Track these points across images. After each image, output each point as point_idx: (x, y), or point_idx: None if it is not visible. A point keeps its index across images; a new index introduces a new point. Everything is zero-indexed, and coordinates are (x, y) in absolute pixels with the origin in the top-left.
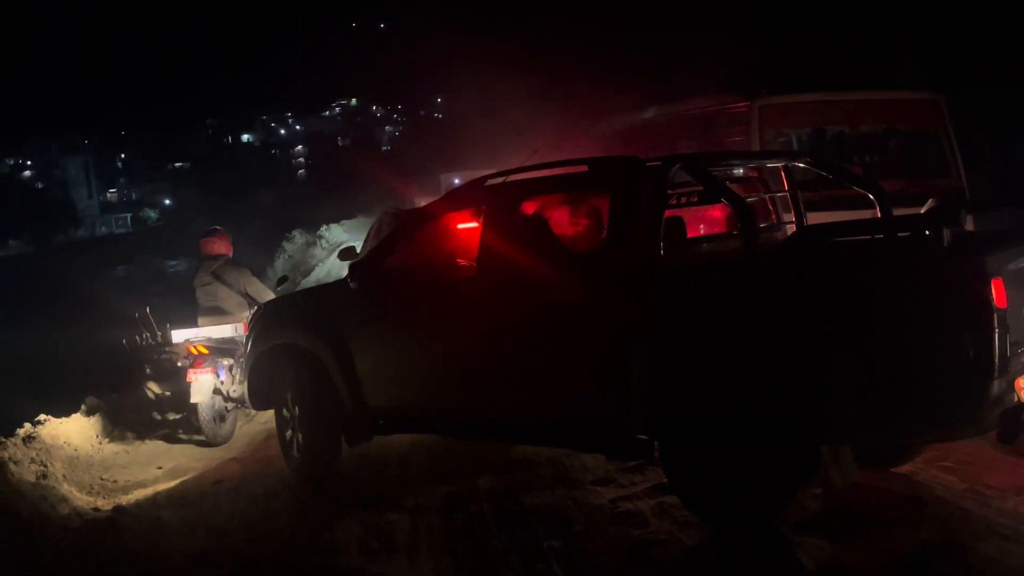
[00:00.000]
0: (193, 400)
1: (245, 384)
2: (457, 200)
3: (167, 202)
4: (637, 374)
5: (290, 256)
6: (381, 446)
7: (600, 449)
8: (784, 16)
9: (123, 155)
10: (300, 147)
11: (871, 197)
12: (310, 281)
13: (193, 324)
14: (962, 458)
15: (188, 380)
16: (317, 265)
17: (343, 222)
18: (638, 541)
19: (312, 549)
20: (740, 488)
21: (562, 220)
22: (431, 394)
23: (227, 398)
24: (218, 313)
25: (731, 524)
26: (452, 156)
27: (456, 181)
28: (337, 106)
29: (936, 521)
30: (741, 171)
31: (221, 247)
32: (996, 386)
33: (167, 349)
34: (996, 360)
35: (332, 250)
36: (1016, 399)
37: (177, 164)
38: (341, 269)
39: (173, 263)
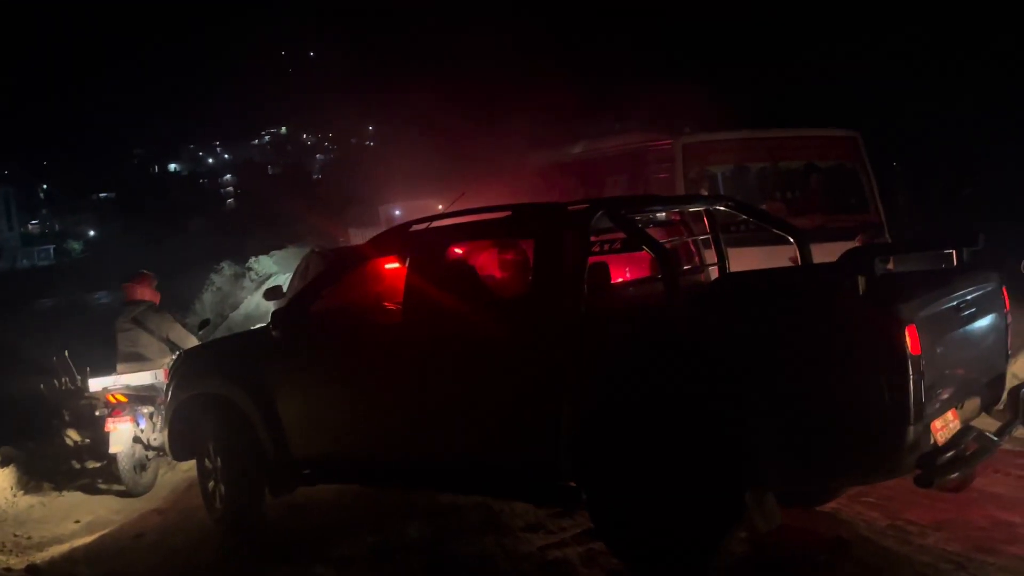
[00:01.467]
0: (112, 450)
1: (166, 433)
2: (382, 246)
3: (92, 233)
4: (564, 421)
5: (218, 288)
6: (308, 494)
7: (528, 497)
8: (709, 57)
9: (45, 185)
10: (229, 176)
11: (792, 241)
12: (238, 315)
13: (112, 370)
14: (885, 493)
15: (107, 430)
16: (246, 298)
17: (273, 253)
18: None
19: None
20: (666, 535)
21: (488, 266)
22: (357, 443)
23: (148, 446)
24: (138, 359)
25: (659, 572)
26: (385, 185)
27: (397, 213)
28: (267, 134)
29: (860, 563)
30: (664, 215)
31: (145, 292)
32: (912, 431)
33: (85, 396)
34: (912, 406)
35: (261, 282)
36: (933, 442)
37: (102, 194)
38: (270, 304)
39: (99, 295)
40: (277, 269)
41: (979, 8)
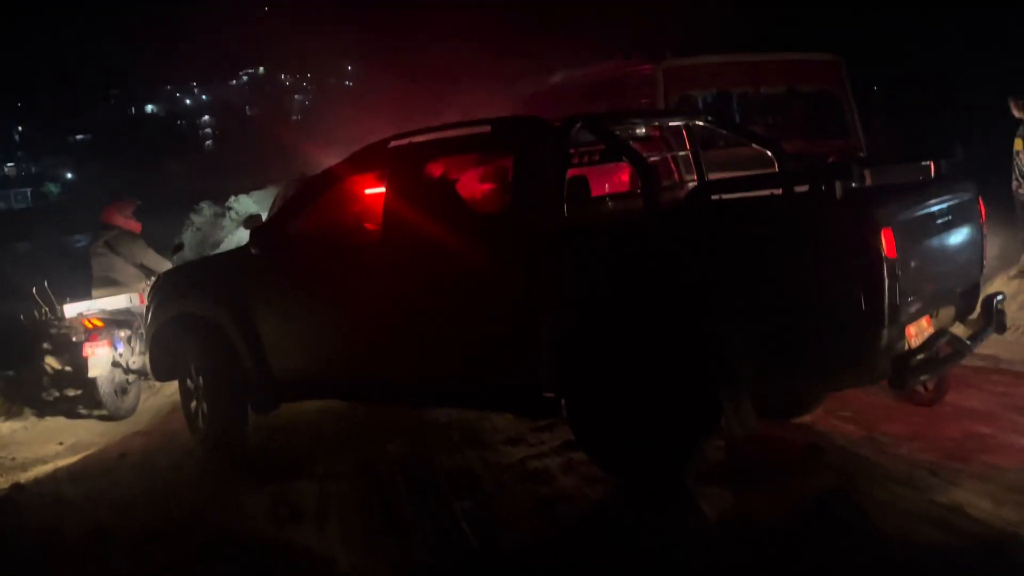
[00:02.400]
0: (91, 374)
1: (147, 356)
2: (361, 162)
3: (69, 175)
4: (544, 333)
5: (198, 229)
6: (290, 415)
7: (509, 408)
8: None
9: (21, 128)
10: (207, 117)
11: (770, 155)
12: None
13: (88, 297)
14: (860, 408)
15: (85, 355)
16: (227, 237)
17: (252, 193)
18: (546, 498)
19: (219, 519)
20: (645, 442)
21: (467, 182)
22: (338, 360)
23: (127, 370)
24: (112, 284)
25: (636, 478)
26: (366, 124)
27: None
28: (244, 75)
29: (833, 469)
30: (643, 131)
31: (117, 218)
32: (887, 334)
33: (63, 324)
34: (887, 308)
35: (241, 222)
36: (907, 346)
37: (79, 136)
38: None
39: (77, 238)
40: (257, 208)
41: None
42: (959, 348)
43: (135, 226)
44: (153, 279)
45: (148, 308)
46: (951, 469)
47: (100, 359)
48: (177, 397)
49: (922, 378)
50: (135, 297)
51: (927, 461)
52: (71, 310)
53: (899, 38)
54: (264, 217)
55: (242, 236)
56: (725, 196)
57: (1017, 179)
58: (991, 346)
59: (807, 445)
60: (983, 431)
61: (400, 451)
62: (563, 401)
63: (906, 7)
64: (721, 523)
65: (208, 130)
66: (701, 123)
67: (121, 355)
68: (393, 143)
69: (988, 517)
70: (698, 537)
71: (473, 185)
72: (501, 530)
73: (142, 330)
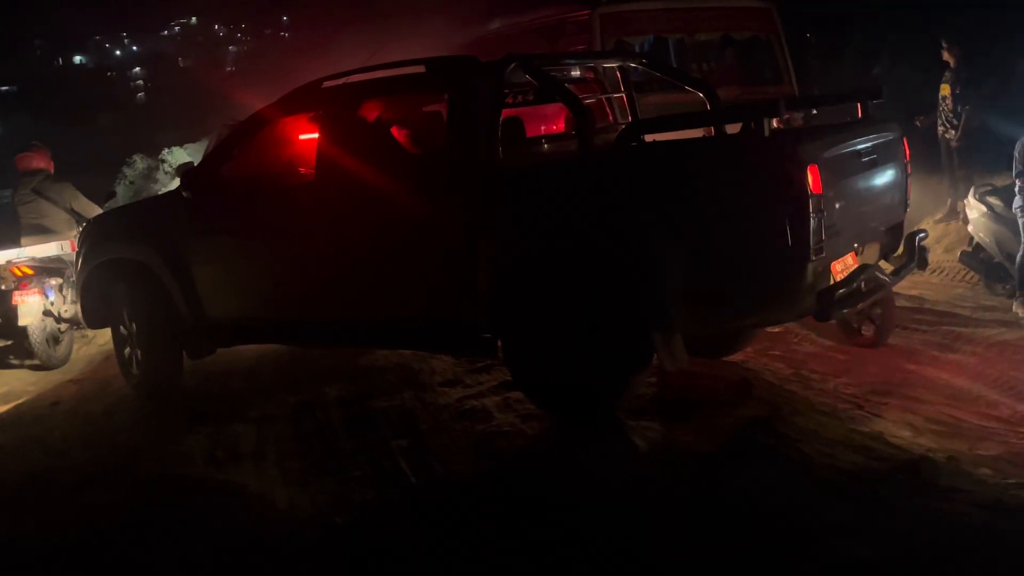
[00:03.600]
0: (21, 323)
1: (78, 303)
2: (294, 103)
3: None
4: (480, 274)
5: (131, 182)
6: (227, 360)
7: (446, 349)
8: None
9: None
10: (138, 69)
11: (703, 98)
12: None
13: (16, 244)
14: (790, 348)
15: (14, 303)
16: (161, 191)
17: (187, 145)
18: (483, 434)
19: (155, 463)
20: (579, 378)
21: (402, 122)
22: (273, 303)
23: (59, 319)
24: (42, 231)
25: (571, 413)
26: (303, 76)
27: None
28: (176, 25)
29: (761, 401)
30: (578, 73)
31: (40, 162)
32: (812, 268)
33: None
34: (812, 243)
35: (176, 175)
36: (832, 280)
37: (4, 88)
38: None
39: (3, 193)
40: (192, 160)
41: None
42: (881, 282)
43: (51, 167)
44: (84, 224)
45: (79, 254)
46: (874, 403)
47: (30, 308)
48: (111, 346)
49: (844, 311)
50: (66, 244)
51: (852, 395)
52: None
53: None
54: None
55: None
56: (657, 137)
57: (944, 124)
58: (917, 287)
59: (737, 380)
60: (907, 367)
61: (338, 393)
62: (499, 342)
63: None
64: (652, 453)
65: (140, 82)
66: (635, 65)
67: (52, 303)
68: (327, 83)
69: (907, 444)
70: (629, 465)
71: (409, 125)
72: (438, 466)
73: (73, 278)
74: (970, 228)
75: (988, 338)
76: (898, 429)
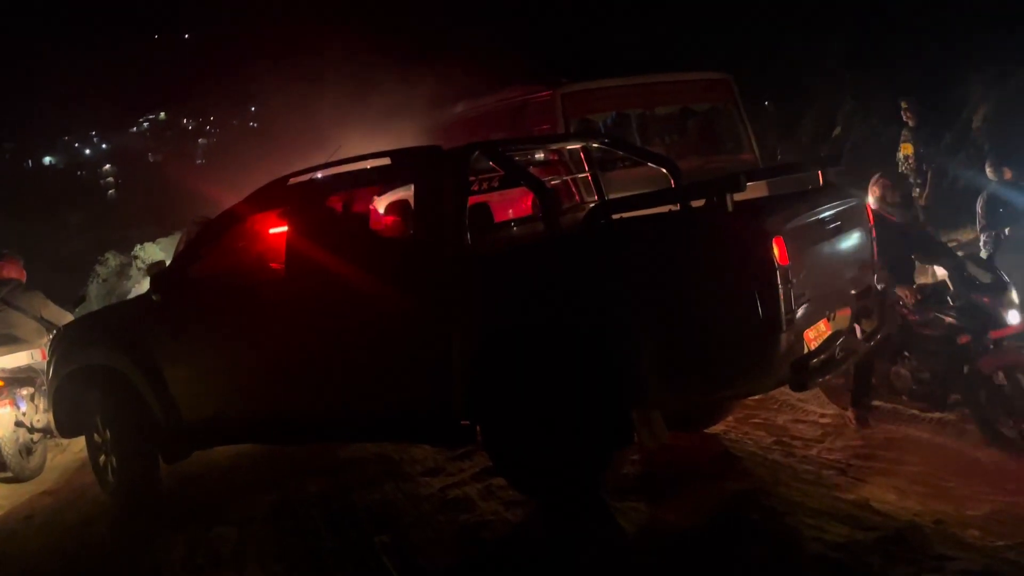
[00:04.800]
0: None
1: (50, 412)
2: (261, 200)
3: None
4: (454, 360)
5: (104, 280)
6: (204, 461)
7: (424, 439)
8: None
9: None
10: (108, 166)
11: (665, 172)
12: None
13: None
14: (771, 413)
15: None
16: (134, 287)
17: (159, 240)
18: (467, 525)
19: (134, 573)
20: (560, 462)
21: (371, 214)
22: (249, 402)
23: (32, 429)
24: (11, 341)
25: (554, 498)
26: (273, 164)
27: None
28: (145, 121)
29: (744, 473)
30: (542, 155)
31: (11, 271)
32: (785, 339)
33: None
34: (783, 314)
35: (147, 273)
36: (806, 349)
37: None
38: None
39: None
40: (164, 255)
41: None
42: (855, 348)
43: (23, 276)
44: (54, 332)
45: (49, 363)
46: (858, 467)
47: (2, 419)
48: (85, 453)
49: (821, 380)
50: (36, 353)
51: (835, 461)
52: None
53: (787, 52)
54: (168, 263)
55: (148, 287)
56: (624, 215)
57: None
58: None
59: (719, 453)
60: (888, 427)
61: (318, 489)
62: (478, 427)
63: (790, 23)
64: (638, 536)
65: (110, 179)
66: (597, 145)
67: (24, 414)
68: (292, 179)
69: (893, 510)
70: (615, 551)
71: (377, 216)
72: (423, 560)
73: (45, 386)
74: None
75: None
76: (883, 493)
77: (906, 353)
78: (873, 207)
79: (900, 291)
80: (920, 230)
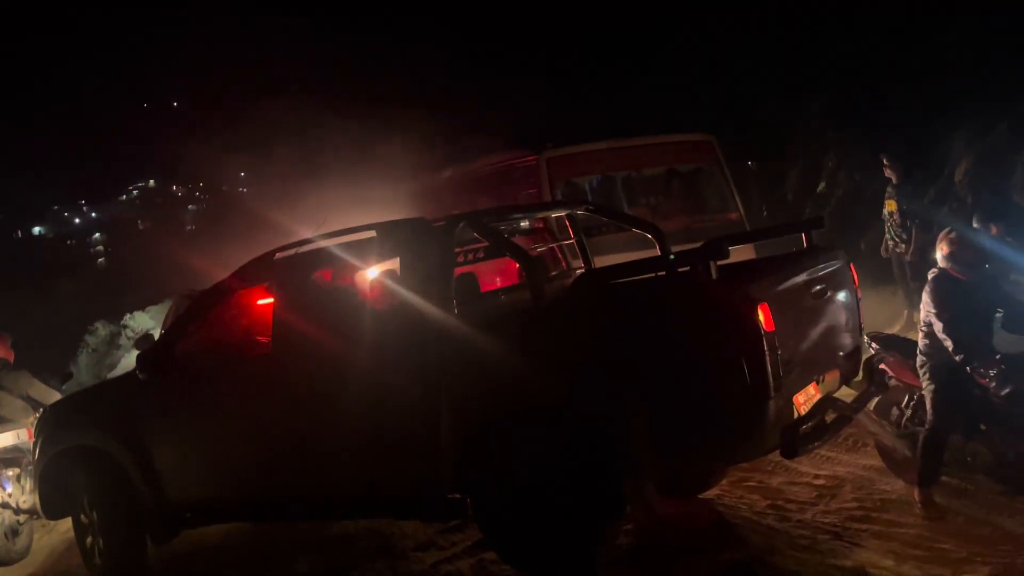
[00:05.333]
0: None
1: (36, 493)
2: (246, 276)
3: None
4: (443, 433)
5: (94, 350)
6: (192, 540)
7: (416, 514)
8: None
9: None
10: (98, 235)
11: (650, 237)
12: (117, 374)
13: None
14: (764, 476)
15: None
16: (124, 356)
17: (148, 308)
18: None
19: None
20: (552, 535)
21: (356, 286)
22: (236, 480)
23: (18, 510)
24: None
25: (546, 572)
26: (262, 230)
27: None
28: (134, 189)
29: (739, 541)
30: (527, 223)
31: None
32: (773, 405)
33: None
34: (771, 380)
35: (136, 339)
36: (795, 414)
37: None
38: None
39: None
40: (154, 324)
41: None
42: (845, 413)
43: (10, 356)
44: (41, 412)
45: (36, 443)
46: (854, 530)
47: None
48: (72, 535)
49: (810, 446)
50: (23, 433)
51: (830, 524)
52: None
53: (769, 111)
54: (158, 334)
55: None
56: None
57: (893, 238)
58: None
59: (713, 520)
60: (883, 489)
61: (308, 568)
62: (468, 500)
63: (771, 83)
64: None
65: (100, 247)
66: (582, 212)
67: (10, 495)
68: (279, 254)
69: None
70: None
71: (363, 289)
72: None
73: (31, 467)
74: None
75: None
76: (880, 558)
77: (983, 427)
78: (941, 265)
79: (980, 364)
80: (1002, 292)
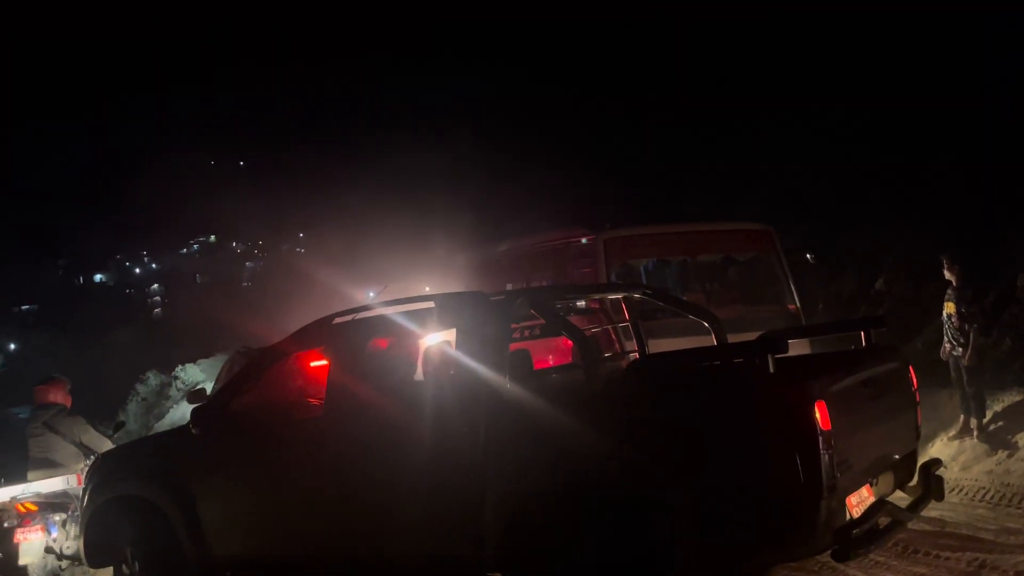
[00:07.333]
0: (21, 562)
1: (81, 540)
2: (305, 338)
3: (12, 346)
4: (488, 512)
5: (144, 399)
6: None
7: None
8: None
9: None
10: (156, 285)
11: (707, 324)
12: (164, 425)
13: (23, 479)
14: (811, 568)
15: (16, 541)
16: (172, 408)
17: (200, 361)
18: None
19: None
20: None
21: (412, 356)
22: (279, 541)
23: (61, 555)
24: (49, 465)
25: None
26: (317, 291)
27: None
28: (195, 243)
29: None
30: (584, 303)
31: (57, 395)
32: (826, 506)
33: None
34: (825, 480)
35: (188, 391)
36: (848, 516)
37: (24, 307)
38: None
39: (18, 410)
40: (204, 377)
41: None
42: (899, 518)
43: (68, 401)
44: (92, 459)
45: (85, 490)
46: None
47: (32, 546)
48: None
49: (864, 550)
50: (72, 479)
51: None
52: (4, 494)
53: (827, 207)
54: (210, 388)
55: (187, 408)
56: (660, 368)
57: (951, 341)
58: (937, 507)
59: None
60: None
61: None
62: None
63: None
64: None
65: (157, 298)
66: (638, 296)
67: (55, 540)
68: (337, 319)
69: None
70: None
71: (415, 358)
72: None
73: (78, 512)
74: None
75: (1015, 566)
76: None
77: None
78: None
79: None
80: None
